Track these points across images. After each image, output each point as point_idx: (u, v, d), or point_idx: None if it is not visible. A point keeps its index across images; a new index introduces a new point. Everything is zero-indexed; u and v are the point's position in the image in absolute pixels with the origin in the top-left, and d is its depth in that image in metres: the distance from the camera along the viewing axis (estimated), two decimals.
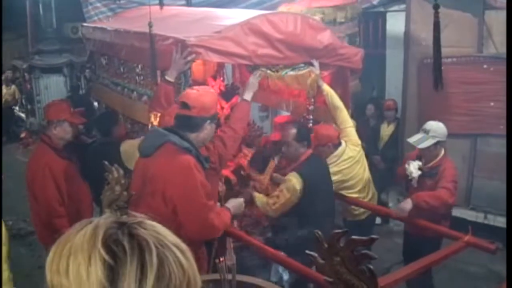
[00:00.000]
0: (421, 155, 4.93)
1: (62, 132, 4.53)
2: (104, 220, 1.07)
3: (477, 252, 4.26)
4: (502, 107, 6.37)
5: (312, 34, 4.46)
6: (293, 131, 4.49)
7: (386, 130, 7.82)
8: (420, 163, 4.88)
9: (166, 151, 3.40)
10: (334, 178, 4.76)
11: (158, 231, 1.06)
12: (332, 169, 4.80)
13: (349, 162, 4.94)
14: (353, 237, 1.85)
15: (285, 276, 4.44)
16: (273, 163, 5.15)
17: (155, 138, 3.53)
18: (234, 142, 4.07)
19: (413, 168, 4.86)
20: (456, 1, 6.33)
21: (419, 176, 4.86)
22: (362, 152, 5.08)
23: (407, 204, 4.50)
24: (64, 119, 4.53)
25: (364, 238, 1.84)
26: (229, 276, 2.89)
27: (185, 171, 3.33)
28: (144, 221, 1.08)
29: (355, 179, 4.99)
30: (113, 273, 0.97)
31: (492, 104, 6.49)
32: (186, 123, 3.50)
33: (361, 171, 5.04)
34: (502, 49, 6.30)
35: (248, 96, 4.21)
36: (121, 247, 0.99)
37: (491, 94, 6.47)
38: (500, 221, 6.40)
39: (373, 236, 1.83)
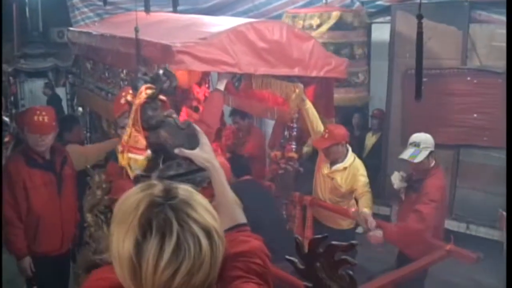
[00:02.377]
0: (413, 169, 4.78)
1: (41, 141, 4.31)
2: (151, 192, 1.26)
3: (461, 262, 4.29)
4: (485, 118, 6.45)
5: (297, 43, 4.48)
6: None
7: (371, 139, 7.91)
8: (403, 174, 4.80)
9: None
10: (364, 171, 4.98)
11: (188, 213, 1.23)
12: (361, 164, 5.02)
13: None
14: (333, 242, 1.85)
15: None
16: None
17: None
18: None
19: (395, 178, 4.81)
20: (441, 14, 6.40)
21: (407, 189, 4.76)
22: None
23: (378, 235, 4.52)
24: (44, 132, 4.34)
25: (344, 243, 1.84)
26: None
27: None
28: (182, 199, 1.26)
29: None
30: (138, 248, 1.18)
31: (475, 115, 6.55)
32: None
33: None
34: (486, 62, 6.38)
35: (221, 85, 4.18)
36: (150, 226, 1.19)
37: (475, 106, 6.53)
38: (482, 231, 6.46)
39: (353, 242, 1.83)
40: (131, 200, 1.26)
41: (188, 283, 1.20)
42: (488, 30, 6.37)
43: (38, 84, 11.57)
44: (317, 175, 5.24)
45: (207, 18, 5.36)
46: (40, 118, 4.24)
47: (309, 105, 4.92)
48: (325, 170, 5.11)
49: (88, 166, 2.96)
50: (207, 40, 3.98)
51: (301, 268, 1.91)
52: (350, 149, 5.11)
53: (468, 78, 6.54)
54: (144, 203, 1.23)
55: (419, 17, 2.34)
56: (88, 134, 6.16)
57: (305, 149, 6.37)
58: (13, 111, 13.26)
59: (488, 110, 6.39)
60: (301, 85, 4.73)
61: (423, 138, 4.62)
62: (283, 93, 4.71)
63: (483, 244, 5.85)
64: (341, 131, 5.06)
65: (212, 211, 1.30)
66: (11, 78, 12.69)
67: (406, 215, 4.52)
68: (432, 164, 4.63)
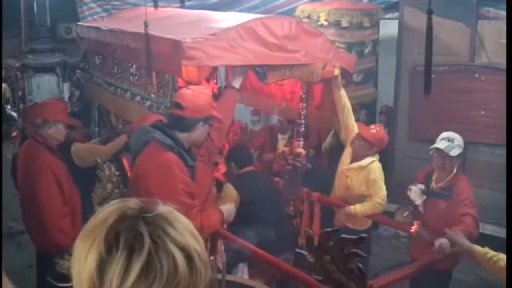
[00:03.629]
0: (432, 172, 4.68)
1: (57, 133, 4.47)
2: (123, 205, 1.10)
3: (466, 259, 4.28)
4: (493, 116, 6.44)
5: (306, 38, 4.48)
6: None
7: None
8: (422, 187, 4.63)
9: (151, 149, 3.41)
10: (380, 176, 4.88)
11: (165, 229, 1.06)
12: (379, 167, 4.91)
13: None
14: (343, 235, 1.87)
15: None
16: None
17: (141, 135, 3.54)
18: (218, 132, 3.98)
19: (415, 195, 4.61)
20: (450, 10, 6.39)
21: (428, 199, 4.59)
22: None
23: (446, 244, 4.00)
24: (61, 120, 4.49)
25: (354, 237, 1.87)
26: (219, 276, 2.90)
27: (164, 168, 3.32)
28: (160, 214, 1.09)
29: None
30: (102, 266, 1.01)
31: (483, 112, 6.54)
32: (179, 123, 3.50)
33: None
34: (494, 59, 6.37)
35: (236, 83, 4.17)
36: (116, 241, 1.02)
37: (482, 103, 6.52)
38: (489, 229, 6.44)
39: (363, 235, 1.86)
40: (102, 213, 1.09)
41: None
42: (496, 27, 6.36)
43: (45, 79, 11.62)
44: (338, 171, 5.21)
45: (216, 13, 5.37)
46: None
47: (343, 92, 4.86)
48: (344, 165, 5.07)
49: (98, 160, 2.97)
50: (217, 36, 3.98)
51: (311, 261, 1.93)
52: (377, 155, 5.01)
53: (476, 75, 6.54)
54: (114, 216, 1.07)
55: (429, 12, 2.35)
56: (97, 129, 6.18)
57: (324, 146, 6.39)
58: (21, 106, 13.34)
59: (496, 107, 6.37)
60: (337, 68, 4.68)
61: (457, 136, 4.54)
62: (307, 74, 4.52)
63: (489, 241, 5.82)
64: (385, 138, 5.02)
65: (196, 234, 1.12)
66: (18, 73, 12.75)
67: (439, 224, 4.25)
68: (456, 167, 4.55)
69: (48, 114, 4.46)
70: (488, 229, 6.46)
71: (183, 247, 1.05)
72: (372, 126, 4.99)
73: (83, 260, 1.03)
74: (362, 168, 4.91)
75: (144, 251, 1.00)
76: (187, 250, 1.06)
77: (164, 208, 1.12)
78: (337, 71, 4.64)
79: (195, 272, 1.06)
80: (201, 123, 3.53)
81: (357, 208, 4.81)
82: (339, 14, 6.59)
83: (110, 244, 1.02)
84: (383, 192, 4.87)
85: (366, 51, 6.85)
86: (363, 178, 4.91)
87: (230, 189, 4.45)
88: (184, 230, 1.09)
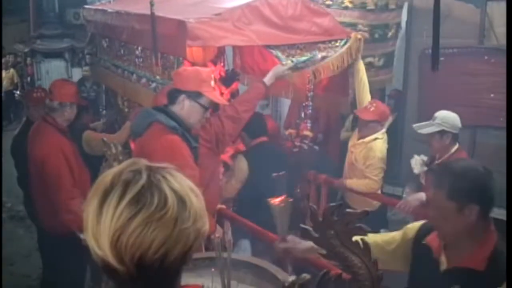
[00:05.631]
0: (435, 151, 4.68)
1: (71, 114, 4.50)
2: (134, 160, 1.26)
3: None
4: (502, 99, 6.36)
5: (312, 18, 4.44)
6: None
7: None
8: (425, 158, 4.68)
9: (154, 130, 3.38)
10: (380, 155, 4.85)
11: (164, 175, 1.20)
12: (382, 146, 4.87)
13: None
14: (348, 210, 1.86)
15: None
16: None
17: (144, 117, 3.51)
18: (233, 122, 3.78)
19: (415, 163, 4.67)
20: None
21: (428, 173, 4.63)
22: None
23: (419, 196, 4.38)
24: (75, 102, 4.51)
25: (358, 211, 1.85)
26: (225, 254, 2.90)
27: (169, 150, 3.27)
28: (164, 167, 1.24)
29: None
30: (103, 199, 1.16)
31: (492, 95, 6.47)
32: (168, 95, 3.50)
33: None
34: (503, 41, 6.29)
35: (268, 80, 3.98)
36: (118, 179, 1.17)
37: (492, 86, 6.45)
38: (498, 213, 6.34)
39: (367, 209, 1.84)
40: (109, 171, 1.24)
41: (144, 234, 1.12)
42: (505, 9, 6.27)
43: (54, 65, 11.65)
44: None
45: None
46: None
47: (362, 65, 4.82)
48: (351, 142, 5.08)
49: (104, 139, 2.97)
50: (222, 16, 3.96)
51: (315, 236, 1.92)
52: (383, 130, 5.00)
53: (486, 57, 6.46)
54: (123, 165, 1.23)
55: None
56: (104, 112, 6.20)
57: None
58: None
59: (505, 90, 6.29)
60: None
61: (443, 115, 4.53)
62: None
63: (498, 225, 5.80)
64: (386, 109, 5.01)
65: (195, 190, 1.24)
66: (28, 58, 12.79)
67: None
68: (455, 147, 4.54)
69: (64, 97, 4.45)
70: (497, 212, 6.40)
71: (178, 191, 1.18)
72: (368, 105, 4.88)
73: (92, 197, 1.18)
74: (365, 144, 4.91)
75: (138, 185, 1.15)
76: (180, 194, 1.18)
77: (170, 166, 1.26)
78: (360, 35, 4.63)
79: (184, 212, 1.17)
80: (183, 95, 3.41)
81: (351, 182, 4.86)
82: None
83: (113, 181, 1.17)
84: (378, 171, 4.88)
85: (390, 34, 6.54)
86: (364, 155, 4.91)
87: (241, 163, 4.41)
88: (183, 182, 1.23)
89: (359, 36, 4.66)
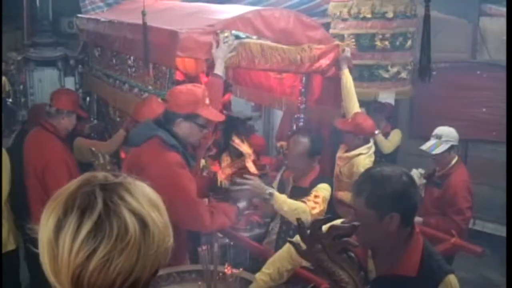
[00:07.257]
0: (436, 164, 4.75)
1: (69, 123, 4.49)
2: (89, 175, 1.16)
3: (468, 258, 4.31)
4: (494, 113, 6.41)
5: (304, 31, 4.43)
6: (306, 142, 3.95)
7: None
8: (422, 171, 4.77)
9: (153, 144, 3.34)
10: (346, 178, 4.69)
11: (121, 195, 1.10)
12: (365, 161, 4.58)
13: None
14: (335, 224, 1.84)
15: None
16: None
17: (145, 129, 3.46)
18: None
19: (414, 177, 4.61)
20: (451, 7, 6.35)
21: (426, 185, 4.74)
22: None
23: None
24: (74, 110, 4.51)
25: (345, 225, 1.83)
26: (211, 267, 2.87)
27: (172, 168, 3.23)
28: (120, 183, 1.14)
29: None
30: (58, 227, 1.07)
31: (484, 110, 6.52)
32: (163, 116, 3.45)
33: None
34: (496, 56, 6.34)
35: (219, 69, 3.84)
36: (72, 204, 1.08)
37: (484, 100, 6.50)
38: (489, 227, 6.42)
39: (355, 223, 1.82)
40: (69, 183, 1.15)
41: (108, 268, 1.04)
42: (498, 24, 6.33)
43: (47, 73, 11.60)
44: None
45: (215, 6, 5.33)
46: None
47: (347, 74, 4.63)
48: (338, 153, 4.93)
49: (93, 149, 2.94)
50: (215, 27, 3.95)
51: (303, 249, 1.90)
52: (369, 145, 4.74)
53: (478, 72, 6.52)
54: (76, 183, 1.13)
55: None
56: (95, 121, 6.17)
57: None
58: (22, 99, 13.34)
59: (497, 104, 6.34)
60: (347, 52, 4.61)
61: (446, 131, 4.64)
62: (295, 57, 4.35)
63: (490, 240, 5.82)
64: (365, 123, 4.68)
65: (156, 203, 1.16)
66: (20, 66, 12.74)
67: (430, 211, 4.58)
68: (455, 159, 4.64)
69: (62, 104, 4.45)
70: (489, 227, 6.43)
71: (138, 213, 1.09)
72: (350, 116, 4.68)
73: (44, 223, 1.09)
74: (349, 158, 4.73)
75: (95, 213, 1.05)
76: (141, 216, 1.09)
77: (127, 179, 1.17)
78: (346, 51, 4.59)
79: (148, 237, 1.09)
80: (180, 119, 3.35)
81: (342, 195, 4.67)
82: (385, 3, 6.00)
83: (67, 207, 1.07)
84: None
85: (408, 43, 6.19)
86: (348, 169, 4.74)
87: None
88: (143, 198, 1.13)
89: (345, 48, 4.63)
